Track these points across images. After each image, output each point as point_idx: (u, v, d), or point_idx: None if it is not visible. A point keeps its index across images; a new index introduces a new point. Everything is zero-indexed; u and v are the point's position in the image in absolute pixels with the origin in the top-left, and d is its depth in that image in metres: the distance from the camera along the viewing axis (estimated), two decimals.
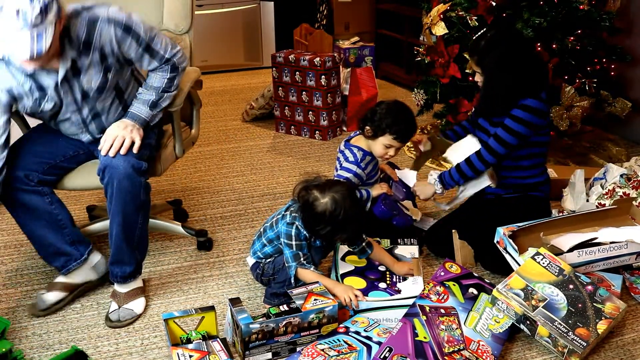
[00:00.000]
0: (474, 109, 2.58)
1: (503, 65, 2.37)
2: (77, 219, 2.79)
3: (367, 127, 2.49)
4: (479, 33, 2.49)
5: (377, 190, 2.56)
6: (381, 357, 1.83)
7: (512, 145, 2.39)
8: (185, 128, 2.57)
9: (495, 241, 2.29)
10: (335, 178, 2.47)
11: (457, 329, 1.99)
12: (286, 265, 2.18)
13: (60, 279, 2.27)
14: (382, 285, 2.21)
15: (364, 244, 2.29)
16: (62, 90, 2.04)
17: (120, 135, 2.07)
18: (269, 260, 2.26)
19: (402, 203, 2.66)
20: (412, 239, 2.50)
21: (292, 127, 4.12)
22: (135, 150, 2.08)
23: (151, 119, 2.19)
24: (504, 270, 2.27)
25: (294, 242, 2.15)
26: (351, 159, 2.53)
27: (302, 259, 2.16)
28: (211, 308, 2.04)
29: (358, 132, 2.60)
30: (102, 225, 2.59)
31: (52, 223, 2.18)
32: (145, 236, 2.23)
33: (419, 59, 3.64)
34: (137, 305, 2.22)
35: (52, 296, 2.23)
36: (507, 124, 2.37)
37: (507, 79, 2.36)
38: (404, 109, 2.51)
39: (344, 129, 4.16)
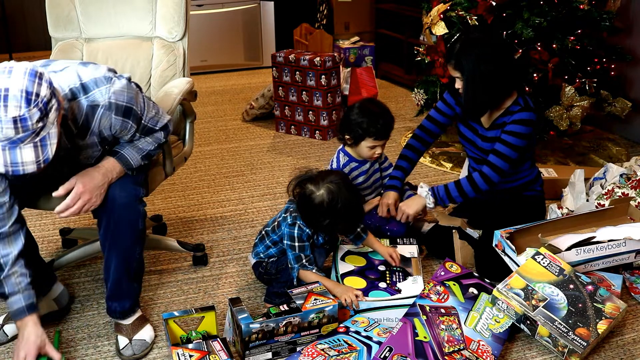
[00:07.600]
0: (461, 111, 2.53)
1: (482, 62, 2.29)
2: (49, 240, 2.73)
3: (347, 137, 2.50)
4: (452, 40, 2.45)
5: (368, 205, 2.59)
6: (381, 356, 1.83)
7: (515, 160, 2.38)
8: (178, 143, 2.41)
9: (493, 245, 2.29)
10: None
11: (457, 328, 1.99)
12: (289, 267, 2.19)
13: None
14: (382, 285, 2.21)
15: (358, 229, 2.30)
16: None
17: (86, 197, 1.85)
18: (272, 259, 2.27)
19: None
20: (411, 239, 2.50)
21: (292, 126, 4.12)
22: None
23: (136, 167, 1.99)
24: (500, 275, 2.25)
25: (296, 244, 2.15)
26: (334, 165, 2.56)
27: (304, 260, 2.16)
28: (211, 308, 2.04)
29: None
30: (78, 253, 2.39)
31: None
32: (142, 266, 2.09)
33: (419, 58, 3.64)
34: (146, 333, 2.06)
35: (10, 329, 2.09)
36: (507, 139, 2.34)
37: (488, 75, 2.30)
38: (374, 106, 2.50)
39: None
